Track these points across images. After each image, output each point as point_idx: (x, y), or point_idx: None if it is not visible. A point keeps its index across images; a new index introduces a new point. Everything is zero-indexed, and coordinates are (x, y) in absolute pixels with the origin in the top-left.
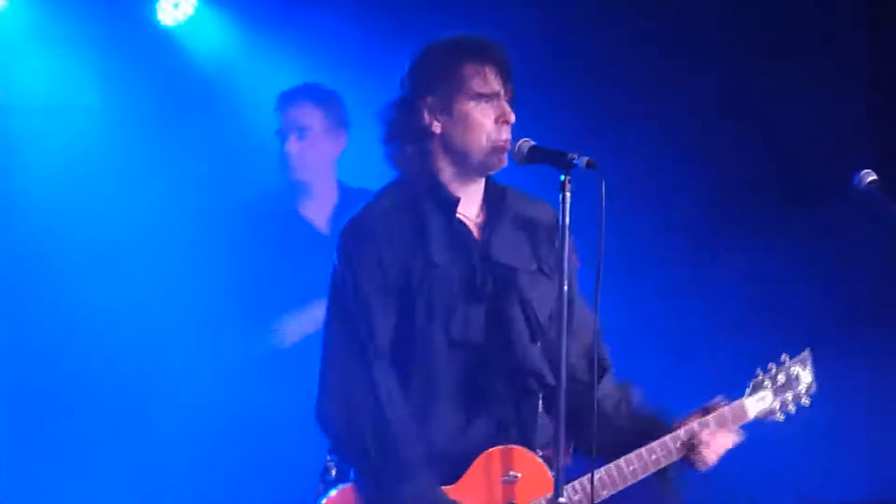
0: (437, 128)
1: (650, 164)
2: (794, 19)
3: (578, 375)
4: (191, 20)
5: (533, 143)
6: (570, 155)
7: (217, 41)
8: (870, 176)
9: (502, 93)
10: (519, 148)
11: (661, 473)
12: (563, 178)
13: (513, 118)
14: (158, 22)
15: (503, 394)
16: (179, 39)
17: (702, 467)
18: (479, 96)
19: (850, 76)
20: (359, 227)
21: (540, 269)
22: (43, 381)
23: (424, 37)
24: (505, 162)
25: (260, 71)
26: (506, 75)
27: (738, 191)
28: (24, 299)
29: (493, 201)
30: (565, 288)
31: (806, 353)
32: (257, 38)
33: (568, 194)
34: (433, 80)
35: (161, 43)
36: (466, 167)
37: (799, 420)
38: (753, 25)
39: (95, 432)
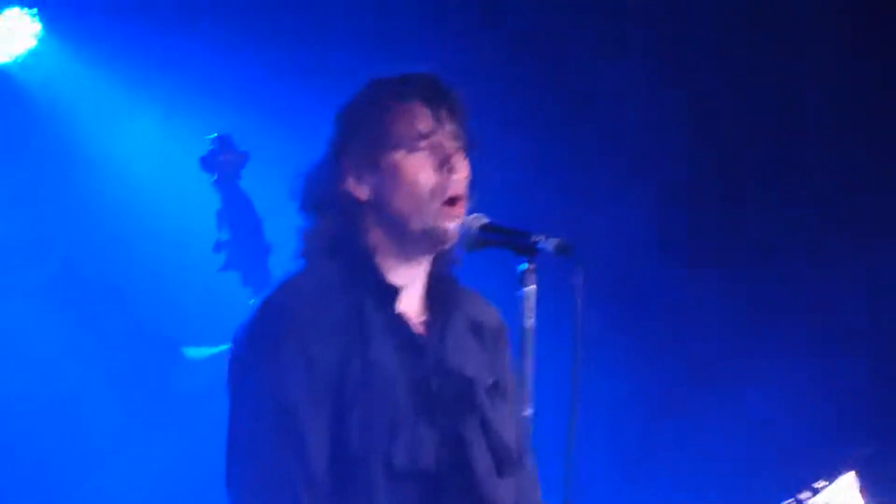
0: (363, 192)
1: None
2: None
3: None
4: (31, 55)
5: (486, 219)
6: (534, 236)
7: (63, 79)
8: None
9: (442, 133)
10: (467, 227)
11: None
12: (524, 267)
13: (463, 168)
14: None
15: None
16: (16, 78)
17: None
18: (408, 140)
19: None
20: (278, 312)
21: (495, 386)
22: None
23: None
24: (454, 235)
25: (115, 113)
26: (445, 111)
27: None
28: None
29: (440, 295)
30: (529, 411)
31: (851, 478)
32: (115, 76)
33: (532, 288)
34: (354, 130)
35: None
36: (407, 240)
37: None
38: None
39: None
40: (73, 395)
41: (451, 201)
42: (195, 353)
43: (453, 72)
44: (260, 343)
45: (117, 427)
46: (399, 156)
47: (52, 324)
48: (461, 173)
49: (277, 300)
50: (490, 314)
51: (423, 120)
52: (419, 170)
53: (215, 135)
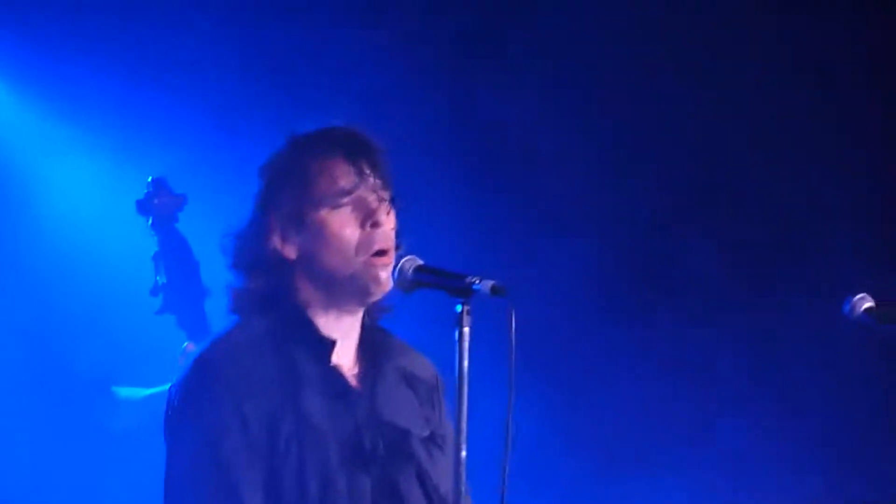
0: (291, 251)
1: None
2: None
3: None
4: None
5: (420, 262)
6: (469, 278)
7: (5, 118)
8: (865, 302)
9: (365, 188)
10: (401, 270)
11: None
12: (460, 308)
13: (387, 220)
14: None
15: None
16: None
17: None
18: (334, 197)
19: None
20: (211, 370)
21: (431, 437)
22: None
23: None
24: (386, 284)
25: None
26: (367, 165)
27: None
28: None
29: (372, 346)
30: (463, 454)
31: None
32: (55, 116)
33: (466, 330)
34: (278, 188)
35: None
36: (338, 294)
37: None
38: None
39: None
40: (4, 430)
41: (379, 253)
42: (127, 393)
43: (391, 118)
44: (194, 400)
45: (48, 464)
46: (323, 213)
47: None
48: (387, 226)
49: (210, 357)
50: (424, 367)
51: (345, 176)
52: (343, 226)
53: (151, 178)
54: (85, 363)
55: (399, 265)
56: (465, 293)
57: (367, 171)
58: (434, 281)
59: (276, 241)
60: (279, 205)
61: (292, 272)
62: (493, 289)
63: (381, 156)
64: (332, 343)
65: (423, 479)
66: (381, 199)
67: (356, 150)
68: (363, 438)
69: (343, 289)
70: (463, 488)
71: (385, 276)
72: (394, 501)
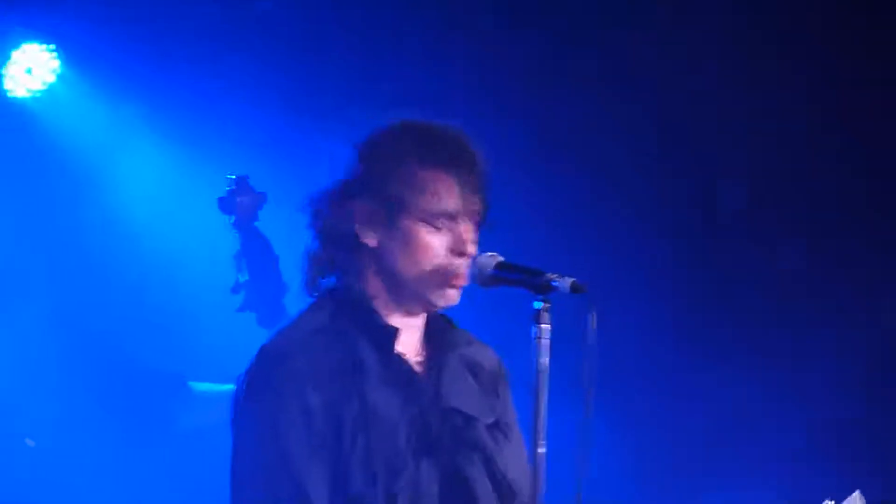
0: (371, 240)
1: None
2: None
3: None
4: (50, 90)
5: (501, 258)
6: (548, 275)
7: (81, 114)
8: None
9: (465, 213)
10: (481, 266)
11: None
12: (539, 305)
13: (473, 249)
14: (5, 92)
15: None
16: (35, 112)
17: None
18: (433, 216)
19: None
20: (276, 362)
21: (496, 425)
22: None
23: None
24: (454, 300)
25: (131, 150)
26: (476, 189)
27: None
28: None
29: (437, 334)
30: (541, 450)
31: (856, 497)
32: (132, 113)
33: (545, 327)
34: (375, 180)
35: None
36: (403, 297)
37: None
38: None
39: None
40: (81, 425)
41: (454, 281)
42: (203, 388)
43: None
44: (258, 392)
45: (123, 459)
46: (417, 226)
47: (64, 352)
48: (470, 256)
49: (274, 348)
50: (487, 356)
51: (451, 199)
52: (433, 248)
53: (234, 176)
54: (162, 359)
55: (478, 261)
56: (545, 290)
57: (472, 199)
58: (513, 277)
59: (358, 226)
60: (373, 194)
61: (365, 258)
62: (573, 286)
63: (485, 176)
64: (395, 331)
65: (489, 466)
66: (475, 229)
67: (465, 169)
68: (429, 425)
69: (411, 294)
70: (541, 487)
71: (456, 296)
72: (462, 488)
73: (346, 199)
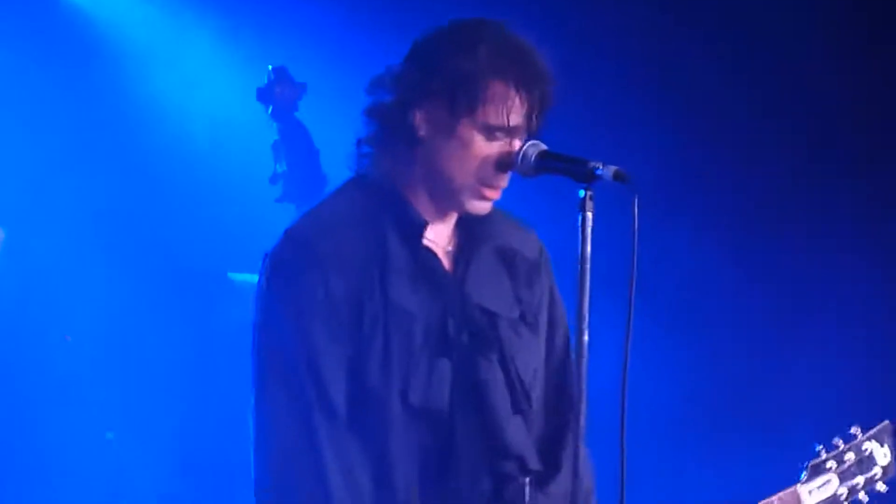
0: (424, 133)
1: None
2: None
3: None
4: None
5: (544, 147)
6: (592, 164)
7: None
8: None
9: (524, 131)
10: (525, 154)
11: None
12: (583, 193)
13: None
14: None
15: (475, 480)
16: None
17: None
18: (493, 129)
19: None
20: (299, 244)
21: (522, 317)
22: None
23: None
24: (485, 210)
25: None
26: (541, 111)
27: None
28: None
29: (471, 223)
30: (585, 338)
31: (885, 426)
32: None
33: (590, 214)
34: (446, 81)
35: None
36: (441, 196)
37: None
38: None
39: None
40: (126, 323)
41: (489, 194)
42: (243, 278)
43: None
44: (281, 273)
45: (167, 356)
46: (474, 134)
47: (105, 249)
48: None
49: (299, 231)
50: (527, 242)
51: (515, 115)
52: (483, 157)
53: (272, 67)
54: (202, 252)
55: (522, 150)
56: (588, 178)
57: (535, 117)
58: (557, 166)
59: (417, 118)
60: (441, 94)
61: (414, 150)
62: (615, 174)
63: (551, 94)
64: (424, 224)
65: (505, 365)
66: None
67: (538, 92)
68: (448, 323)
69: (447, 192)
70: (585, 376)
71: (488, 207)
72: (474, 389)
73: (411, 90)
